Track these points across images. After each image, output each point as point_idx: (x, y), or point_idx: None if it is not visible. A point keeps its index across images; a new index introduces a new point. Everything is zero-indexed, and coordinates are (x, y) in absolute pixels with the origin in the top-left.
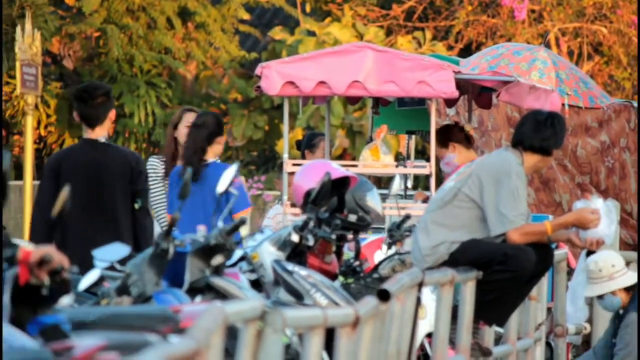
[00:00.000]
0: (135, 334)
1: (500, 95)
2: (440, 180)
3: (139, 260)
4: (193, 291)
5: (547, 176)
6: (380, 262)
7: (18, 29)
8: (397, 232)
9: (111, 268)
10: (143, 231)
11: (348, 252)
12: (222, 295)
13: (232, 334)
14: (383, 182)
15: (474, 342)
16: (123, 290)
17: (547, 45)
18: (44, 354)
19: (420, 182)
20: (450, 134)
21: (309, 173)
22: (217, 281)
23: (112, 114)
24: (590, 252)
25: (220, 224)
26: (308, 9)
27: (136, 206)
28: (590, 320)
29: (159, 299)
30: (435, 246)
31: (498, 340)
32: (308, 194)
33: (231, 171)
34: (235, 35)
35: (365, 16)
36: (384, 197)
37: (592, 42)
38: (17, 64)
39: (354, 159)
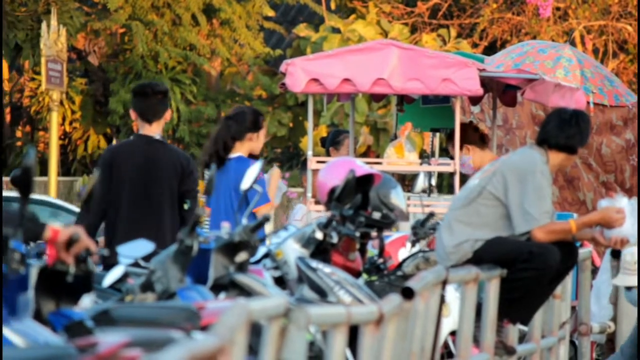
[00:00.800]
0: (159, 331)
1: (525, 93)
2: (464, 178)
3: (163, 256)
4: (217, 288)
5: (572, 174)
6: (404, 260)
7: (43, 25)
8: (421, 230)
9: (135, 264)
10: None
11: (372, 250)
12: (246, 292)
13: (256, 331)
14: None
15: (498, 341)
16: (147, 286)
17: (572, 43)
18: (68, 350)
19: (445, 180)
20: (464, 136)
21: (333, 170)
22: (241, 278)
23: (168, 114)
24: (614, 251)
25: (244, 220)
26: (333, 6)
27: (185, 207)
28: (614, 319)
29: (183, 295)
30: (459, 244)
31: (522, 338)
32: (332, 191)
33: (255, 168)
34: (260, 32)
35: (390, 13)
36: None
37: (617, 40)
38: (43, 60)
39: (378, 156)
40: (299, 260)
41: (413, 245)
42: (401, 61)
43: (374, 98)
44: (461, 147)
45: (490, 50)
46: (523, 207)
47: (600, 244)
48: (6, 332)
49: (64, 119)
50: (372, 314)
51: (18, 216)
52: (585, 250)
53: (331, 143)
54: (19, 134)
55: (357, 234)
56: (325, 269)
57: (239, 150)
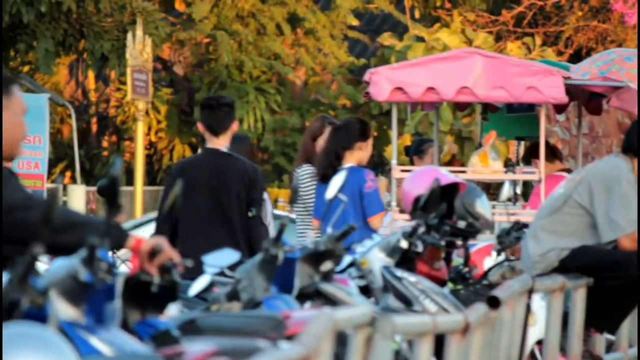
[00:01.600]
0: (245, 340)
1: (611, 101)
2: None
3: (249, 266)
4: (302, 297)
5: None
6: (490, 269)
7: (129, 35)
8: (507, 239)
9: (221, 274)
10: (257, 238)
11: (457, 259)
12: (331, 301)
13: (341, 340)
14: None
15: (585, 350)
16: (233, 295)
17: None
18: (155, 359)
19: (530, 188)
20: (534, 151)
21: (418, 179)
22: (327, 287)
23: (234, 125)
24: None
25: (329, 230)
26: (417, 14)
27: (250, 214)
28: None
29: (269, 304)
30: (545, 253)
31: (609, 347)
32: (417, 200)
33: (340, 178)
34: (344, 41)
35: (474, 22)
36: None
37: None
38: (128, 70)
39: (462, 165)
40: (384, 269)
41: (498, 254)
42: (485, 69)
43: (459, 107)
44: (529, 162)
45: (576, 58)
46: (609, 216)
47: None
48: (94, 341)
49: (149, 128)
50: (458, 323)
51: (104, 226)
52: None
53: (415, 152)
54: (105, 144)
55: (442, 242)
56: (411, 277)
57: (349, 161)
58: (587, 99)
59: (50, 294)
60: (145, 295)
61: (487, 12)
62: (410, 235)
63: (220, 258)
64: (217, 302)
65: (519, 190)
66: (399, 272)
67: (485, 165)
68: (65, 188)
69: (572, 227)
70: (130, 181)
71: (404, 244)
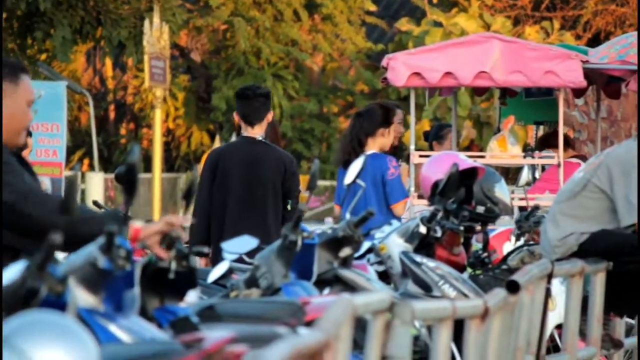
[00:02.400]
0: (264, 326)
1: (630, 85)
2: None
3: (268, 252)
4: (321, 283)
5: None
6: (509, 254)
7: (146, 22)
8: (526, 223)
9: (240, 260)
10: None
11: (476, 244)
12: (350, 287)
13: (360, 326)
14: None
15: (605, 334)
16: (252, 282)
17: None
18: (174, 346)
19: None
20: (548, 141)
21: (436, 164)
22: (345, 273)
23: (269, 115)
24: None
25: (347, 215)
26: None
27: (288, 207)
28: None
29: (288, 291)
30: (565, 237)
31: (629, 331)
32: (436, 185)
33: (358, 163)
34: (362, 27)
35: (492, 6)
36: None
37: None
38: (146, 58)
39: (481, 150)
40: (403, 254)
41: (517, 238)
42: (503, 54)
43: (477, 91)
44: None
45: (594, 42)
46: (628, 199)
47: None
48: (112, 328)
49: (167, 115)
50: (477, 308)
51: (122, 213)
52: None
53: (434, 137)
54: (123, 131)
55: (461, 228)
56: (430, 263)
57: (372, 147)
58: (605, 83)
59: (69, 282)
60: (164, 282)
61: None
62: (429, 220)
63: (239, 245)
64: (235, 288)
65: (537, 175)
66: (418, 258)
67: (503, 150)
68: (83, 176)
69: (591, 211)
70: (148, 168)
71: (423, 230)
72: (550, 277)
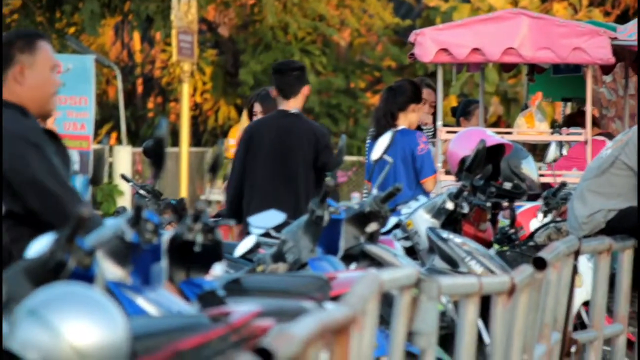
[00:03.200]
0: (290, 301)
1: None
2: None
3: (295, 227)
4: (348, 258)
5: None
6: (536, 230)
7: None
8: (553, 200)
9: (267, 235)
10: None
11: (503, 220)
12: (376, 262)
13: (387, 302)
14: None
15: (632, 311)
16: (278, 257)
17: None
18: (201, 320)
19: None
20: (569, 122)
21: (463, 140)
22: (372, 248)
23: (306, 89)
24: None
25: (374, 191)
26: None
27: (327, 181)
28: None
29: (314, 265)
30: (592, 214)
31: None
32: (463, 161)
33: (385, 139)
34: (389, 2)
35: None
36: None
37: None
38: (174, 32)
39: (508, 126)
40: (430, 230)
41: (545, 215)
42: (531, 30)
43: (504, 68)
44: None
45: (623, 19)
46: None
47: None
48: (140, 301)
49: (194, 90)
50: (504, 284)
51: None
52: None
53: (462, 113)
54: (150, 105)
55: (488, 204)
56: (457, 239)
57: (402, 122)
58: (633, 60)
59: (96, 255)
60: (190, 255)
61: None
62: (456, 196)
63: (266, 219)
64: (262, 263)
65: (565, 152)
66: (445, 234)
67: (531, 126)
68: (111, 149)
69: (619, 188)
70: (175, 142)
71: (450, 206)
72: (577, 254)
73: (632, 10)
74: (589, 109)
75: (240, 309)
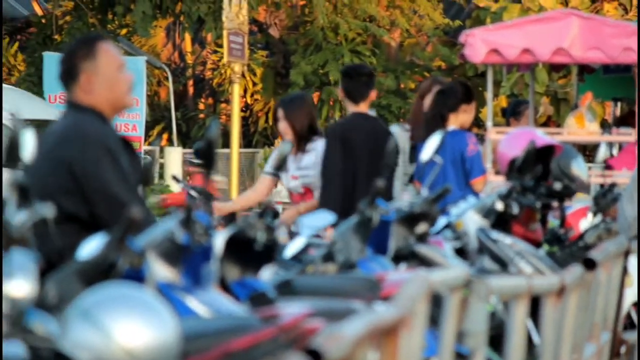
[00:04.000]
0: (340, 301)
1: None
2: None
3: (344, 228)
4: (397, 259)
5: None
6: (586, 231)
7: None
8: (603, 201)
9: (317, 236)
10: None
11: (553, 221)
12: (426, 263)
13: (436, 302)
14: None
15: None
16: (328, 257)
17: None
18: (251, 321)
19: None
20: (623, 119)
21: (513, 141)
22: (422, 249)
23: (373, 94)
24: None
25: (424, 191)
26: None
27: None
28: None
29: (364, 266)
30: None
31: None
32: (512, 162)
33: (435, 140)
34: (440, 3)
35: None
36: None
37: None
38: (225, 33)
39: (558, 126)
40: (480, 231)
41: (595, 215)
42: (582, 30)
43: (554, 68)
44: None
45: None
46: None
47: None
48: (190, 302)
49: (245, 91)
50: (553, 285)
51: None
52: None
53: (512, 113)
54: (201, 106)
55: (538, 204)
56: (506, 240)
57: (453, 123)
58: None
59: (147, 256)
60: (246, 254)
61: None
62: (505, 197)
63: (316, 220)
64: (312, 263)
65: (615, 152)
66: (494, 234)
67: (581, 126)
68: (162, 150)
69: None
70: (226, 143)
71: (500, 206)
72: (627, 254)
73: None
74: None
75: (291, 310)
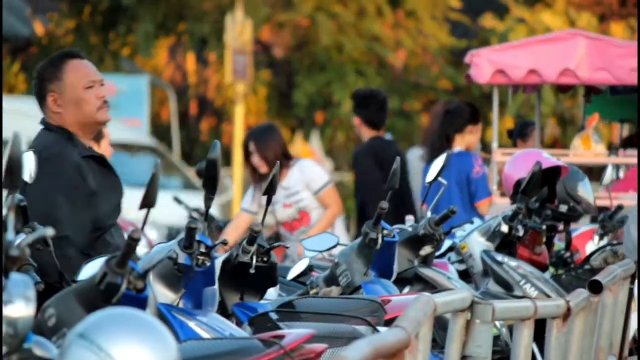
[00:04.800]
0: (343, 324)
1: None
2: None
3: (348, 250)
4: (401, 281)
5: None
6: (592, 253)
7: (228, 17)
8: (609, 223)
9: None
10: None
11: (559, 243)
12: (430, 285)
13: (441, 325)
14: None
15: None
16: (332, 280)
17: None
18: (253, 343)
19: None
20: (630, 141)
21: (519, 162)
22: (426, 271)
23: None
24: None
25: (429, 213)
26: None
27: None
28: None
29: (368, 289)
30: None
31: None
32: (518, 183)
33: (440, 161)
34: (445, 23)
35: (577, 3)
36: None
37: None
38: (228, 53)
39: (565, 147)
40: (484, 253)
41: (601, 238)
42: (588, 51)
43: (561, 89)
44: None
45: None
46: None
47: None
48: (192, 324)
49: (248, 111)
50: (559, 308)
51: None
52: None
53: (519, 134)
54: (204, 126)
55: (544, 227)
56: (511, 262)
57: (459, 144)
58: None
59: (149, 278)
60: (244, 278)
61: None
62: (511, 219)
63: (319, 242)
64: (315, 286)
65: (622, 174)
66: (500, 257)
67: (587, 148)
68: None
69: None
70: (226, 163)
71: (505, 228)
72: (633, 277)
73: None
74: None
75: (293, 332)
